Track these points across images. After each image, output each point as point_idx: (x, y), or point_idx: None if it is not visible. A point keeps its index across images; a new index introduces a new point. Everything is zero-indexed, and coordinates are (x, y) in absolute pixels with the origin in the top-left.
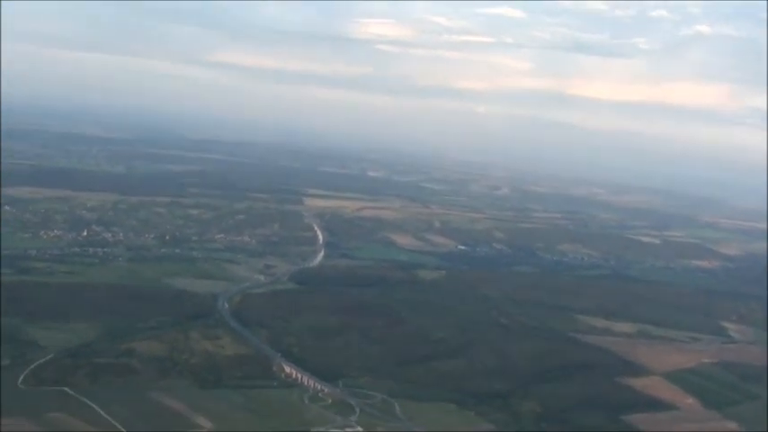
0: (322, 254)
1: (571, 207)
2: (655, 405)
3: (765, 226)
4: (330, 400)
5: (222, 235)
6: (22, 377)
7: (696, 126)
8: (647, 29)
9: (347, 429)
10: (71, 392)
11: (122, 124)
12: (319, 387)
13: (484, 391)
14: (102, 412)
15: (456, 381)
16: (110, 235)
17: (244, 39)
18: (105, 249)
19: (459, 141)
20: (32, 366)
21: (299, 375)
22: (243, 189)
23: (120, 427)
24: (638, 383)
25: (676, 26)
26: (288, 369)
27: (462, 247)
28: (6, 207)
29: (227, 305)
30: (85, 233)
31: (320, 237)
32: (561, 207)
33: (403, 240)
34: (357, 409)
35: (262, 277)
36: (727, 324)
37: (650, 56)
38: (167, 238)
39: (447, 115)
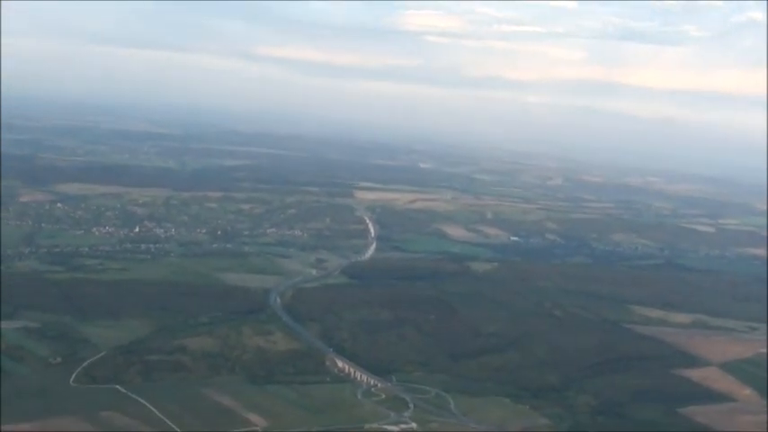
0: (373, 247)
1: (624, 196)
2: (712, 397)
3: None
4: (383, 396)
5: (274, 229)
6: (74, 375)
7: (749, 113)
8: (698, 16)
9: (401, 425)
10: (123, 390)
11: (172, 120)
12: (372, 382)
13: (538, 384)
14: (154, 410)
15: (510, 374)
16: (162, 231)
17: (292, 33)
18: (157, 245)
19: (510, 132)
20: (84, 364)
21: (352, 370)
22: (294, 183)
23: (172, 424)
24: (695, 375)
25: (728, 13)
26: (340, 364)
27: (515, 239)
28: (59, 204)
29: (279, 300)
30: (137, 229)
31: (371, 230)
32: (614, 196)
33: (455, 232)
34: (411, 405)
35: (313, 271)
36: None
37: (702, 43)
38: (219, 233)
39: (498, 106)
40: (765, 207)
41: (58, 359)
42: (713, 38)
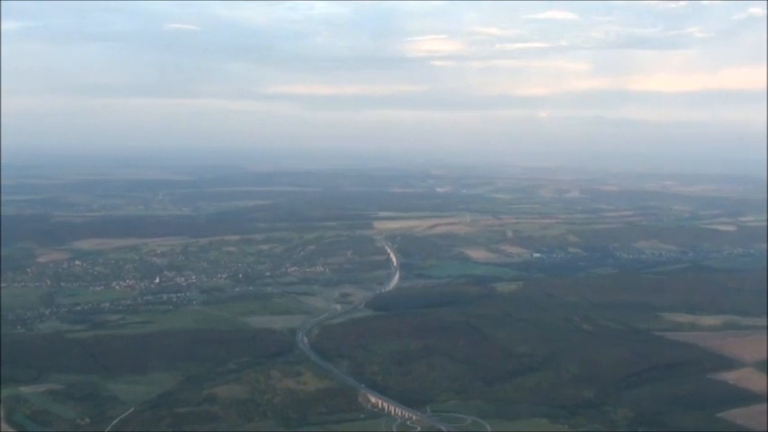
0: (397, 276)
1: (643, 202)
2: (750, 398)
3: None
4: (419, 428)
5: (295, 268)
6: None
7: (759, 109)
8: (700, 17)
9: None
10: None
11: (184, 166)
12: (407, 415)
13: (575, 401)
14: None
15: (545, 394)
16: (182, 279)
17: (298, 69)
18: (179, 294)
19: (524, 148)
20: (114, 423)
21: (386, 404)
22: (312, 219)
23: None
24: (731, 377)
25: (729, 11)
26: (373, 399)
27: (537, 255)
28: (76, 261)
29: (305, 339)
30: (158, 280)
31: (394, 259)
32: (633, 203)
33: (477, 254)
34: None
35: (338, 307)
36: None
37: (706, 44)
38: (240, 276)
39: (510, 124)
40: None
41: (86, 420)
42: (717, 37)
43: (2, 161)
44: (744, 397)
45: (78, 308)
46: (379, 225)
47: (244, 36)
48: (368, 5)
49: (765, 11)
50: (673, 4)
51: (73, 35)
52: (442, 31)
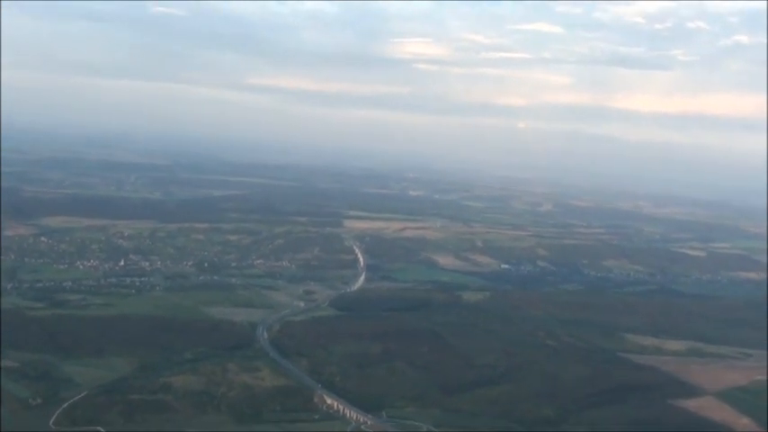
0: (363, 277)
1: (615, 221)
2: (710, 427)
3: None
4: None
5: (261, 260)
6: (54, 417)
7: (737, 136)
8: (685, 41)
9: None
10: None
11: (162, 151)
12: (362, 419)
13: (533, 417)
14: None
15: (504, 407)
16: (147, 264)
17: (283, 63)
18: (142, 279)
19: (500, 158)
20: (65, 405)
21: (342, 407)
22: (283, 213)
23: None
24: (692, 405)
25: (715, 37)
26: (329, 400)
27: (506, 266)
28: (42, 238)
29: (266, 334)
30: (122, 262)
31: (361, 259)
32: (605, 221)
33: (445, 261)
34: None
35: (302, 303)
36: None
37: (689, 67)
38: (206, 265)
39: (487, 132)
40: (756, 230)
41: (39, 400)
42: (701, 62)
43: None
44: (703, 425)
45: (40, 285)
46: (349, 224)
47: (230, 25)
48: (355, 4)
49: (751, 39)
50: (659, 26)
51: (56, 12)
52: (427, 35)
